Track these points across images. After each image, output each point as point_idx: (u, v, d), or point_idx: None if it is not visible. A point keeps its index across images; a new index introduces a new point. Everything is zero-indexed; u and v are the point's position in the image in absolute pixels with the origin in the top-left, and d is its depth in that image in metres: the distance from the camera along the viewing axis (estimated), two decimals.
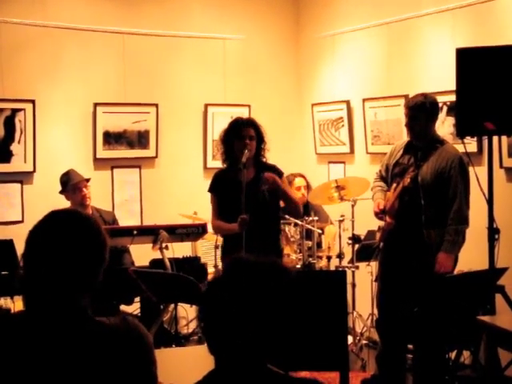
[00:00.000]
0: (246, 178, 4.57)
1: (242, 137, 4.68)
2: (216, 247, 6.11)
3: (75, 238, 1.83)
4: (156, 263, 5.32)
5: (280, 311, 1.69)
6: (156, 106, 6.58)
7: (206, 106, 6.84)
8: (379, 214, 4.79)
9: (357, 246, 5.85)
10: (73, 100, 6.29)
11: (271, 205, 4.74)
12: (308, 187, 6.39)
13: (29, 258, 1.85)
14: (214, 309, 1.69)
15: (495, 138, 4.77)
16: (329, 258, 6.04)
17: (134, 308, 5.65)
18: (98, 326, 1.82)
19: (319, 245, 6.15)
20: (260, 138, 4.76)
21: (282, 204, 4.89)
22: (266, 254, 1.78)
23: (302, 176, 6.42)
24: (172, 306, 5.60)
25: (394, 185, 4.73)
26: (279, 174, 4.80)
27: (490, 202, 4.45)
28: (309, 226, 5.77)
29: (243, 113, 6.63)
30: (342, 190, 5.91)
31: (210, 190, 4.88)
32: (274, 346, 1.70)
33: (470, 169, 4.59)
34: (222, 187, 4.79)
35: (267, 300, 1.67)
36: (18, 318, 1.89)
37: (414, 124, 4.66)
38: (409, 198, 4.63)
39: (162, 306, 5.19)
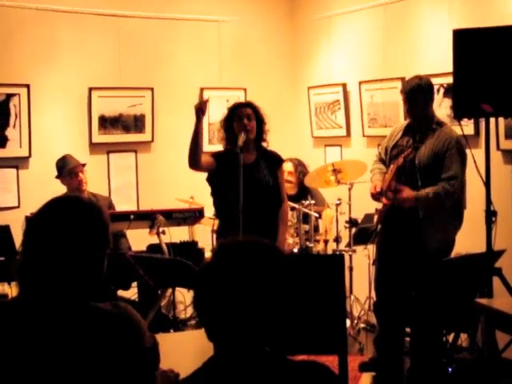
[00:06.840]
0: (246, 160, 4.55)
1: (240, 116, 4.67)
2: (213, 231, 6.09)
3: (78, 225, 1.82)
4: (153, 248, 5.31)
5: (275, 294, 1.66)
6: (151, 89, 6.54)
7: (202, 89, 6.80)
8: (375, 196, 4.78)
9: (354, 230, 5.84)
10: (68, 84, 6.25)
11: (274, 189, 4.71)
12: (296, 172, 6.32)
13: (30, 245, 1.84)
14: (206, 295, 1.67)
15: (492, 120, 4.75)
16: (326, 241, 6.04)
17: (132, 293, 5.64)
18: (92, 312, 1.81)
19: (316, 228, 6.14)
20: (259, 120, 4.74)
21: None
22: (263, 236, 1.75)
23: (292, 160, 6.35)
24: (170, 290, 5.60)
25: (391, 166, 4.72)
26: (279, 161, 4.78)
27: (487, 184, 4.44)
28: (306, 210, 5.76)
29: (239, 96, 6.59)
30: (339, 174, 5.89)
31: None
32: (272, 330, 1.68)
33: (468, 151, 4.58)
34: (219, 169, 4.75)
35: (258, 282, 1.64)
36: (12, 304, 1.87)
37: (414, 107, 4.63)
38: (405, 179, 4.62)
39: (159, 291, 5.19)
